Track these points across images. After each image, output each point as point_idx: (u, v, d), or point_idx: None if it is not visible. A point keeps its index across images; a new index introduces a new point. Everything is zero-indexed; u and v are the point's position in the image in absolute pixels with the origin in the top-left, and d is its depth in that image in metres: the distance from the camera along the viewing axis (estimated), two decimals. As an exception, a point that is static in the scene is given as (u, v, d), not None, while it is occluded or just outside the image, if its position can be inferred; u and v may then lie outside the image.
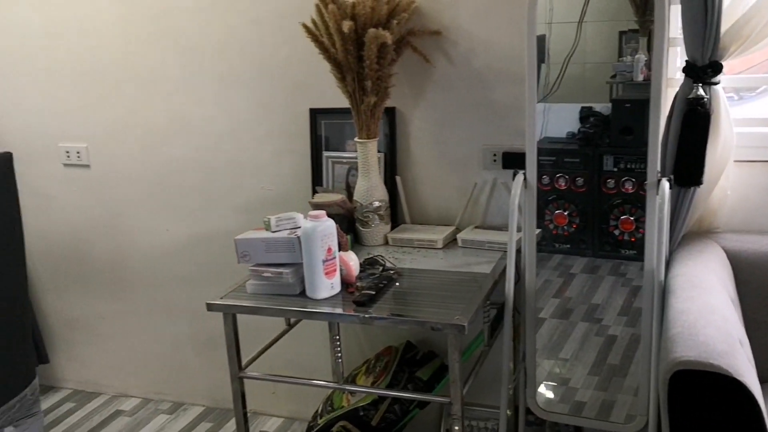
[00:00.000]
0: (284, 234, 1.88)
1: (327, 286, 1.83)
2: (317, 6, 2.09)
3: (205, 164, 2.65)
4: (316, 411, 2.42)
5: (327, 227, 1.81)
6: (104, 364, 3.06)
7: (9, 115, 2.88)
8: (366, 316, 1.72)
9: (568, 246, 2.09)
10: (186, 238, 2.76)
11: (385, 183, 2.29)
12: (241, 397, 1.97)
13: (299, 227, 1.90)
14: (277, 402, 2.79)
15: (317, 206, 2.19)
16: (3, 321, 2.01)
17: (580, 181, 2.05)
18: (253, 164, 2.58)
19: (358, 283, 1.87)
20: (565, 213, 2.08)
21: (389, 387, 2.23)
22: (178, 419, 2.84)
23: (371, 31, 1.93)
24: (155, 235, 2.80)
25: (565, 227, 2.08)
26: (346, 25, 1.92)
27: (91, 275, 2.95)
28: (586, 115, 2.03)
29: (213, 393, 2.90)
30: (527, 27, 1.85)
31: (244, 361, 1.98)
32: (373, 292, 1.80)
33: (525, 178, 1.94)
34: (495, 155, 2.25)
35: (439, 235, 2.21)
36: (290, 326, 2.24)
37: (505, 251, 2.03)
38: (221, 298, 1.92)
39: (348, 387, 2.27)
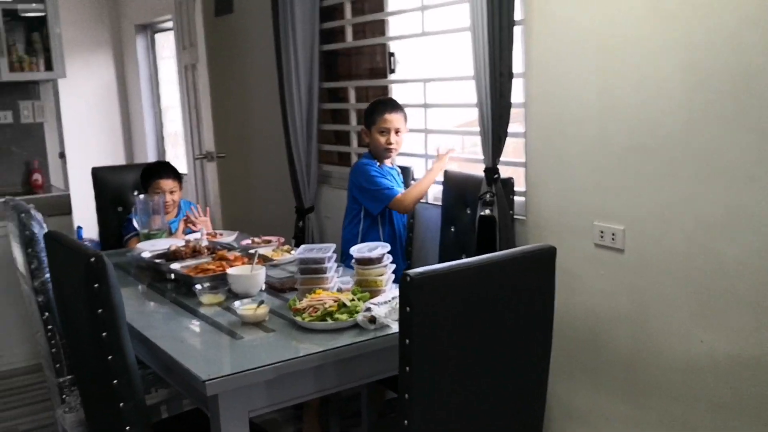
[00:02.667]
0: None
1: None
2: None
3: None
4: None
5: None
6: (602, 469, 2.72)
7: (548, 183, 2.76)
8: None
9: None
10: (725, 356, 2.25)
11: None
12: None
13: None
14: None
15: None
16: (520, 409, 1.81)
17: None
18: (838, 285, 1.95)
19: None
20: None
21: None
22: None
23: None
24: (685, 342, 2.36)
25: None
26: None
27: (603, 368, 2.65)
28: None
29: None
30: None
31: None
32: None
33: None
34: None
35: None
36: None
37: None
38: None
39: None
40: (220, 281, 2.62)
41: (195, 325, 2.34)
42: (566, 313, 2.73)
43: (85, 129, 6.55)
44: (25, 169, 4.64)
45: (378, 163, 3.28)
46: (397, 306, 2.23)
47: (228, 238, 3.48)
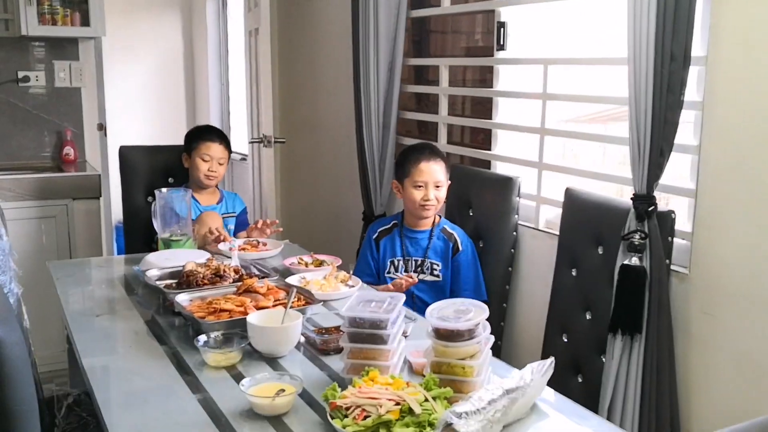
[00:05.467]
0: None
1: None
2: None
3: None
4: None
5: None
6: None
7: (733, 226, 1.85)
8: None
9: None
10: None
11: None
12: None
13: None
14: None
15: None
16: None
17: None
18: None
19: None
20: None
21: None
22: None
23: None
24: None
25: None
26: None
27: None
28: None
29: None
30: None
31: None
32: None
33: None
34: None
35: None
36: None
37: None
38: None
39: None
40: (237, 331, 1.82)
41: (186, 408, 1.55)
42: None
43: (144, 99, 5.90)
44: (57, 141, 3.98)
45: (390, 224, 2.70)
46: (497, 418, 1.39)
47: (272, 251, 2.70)
